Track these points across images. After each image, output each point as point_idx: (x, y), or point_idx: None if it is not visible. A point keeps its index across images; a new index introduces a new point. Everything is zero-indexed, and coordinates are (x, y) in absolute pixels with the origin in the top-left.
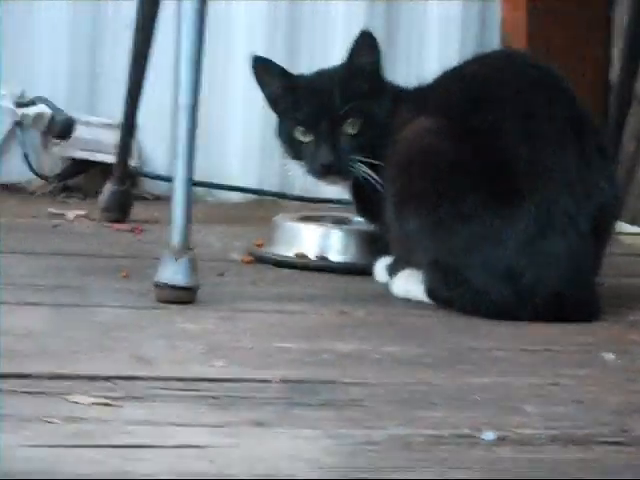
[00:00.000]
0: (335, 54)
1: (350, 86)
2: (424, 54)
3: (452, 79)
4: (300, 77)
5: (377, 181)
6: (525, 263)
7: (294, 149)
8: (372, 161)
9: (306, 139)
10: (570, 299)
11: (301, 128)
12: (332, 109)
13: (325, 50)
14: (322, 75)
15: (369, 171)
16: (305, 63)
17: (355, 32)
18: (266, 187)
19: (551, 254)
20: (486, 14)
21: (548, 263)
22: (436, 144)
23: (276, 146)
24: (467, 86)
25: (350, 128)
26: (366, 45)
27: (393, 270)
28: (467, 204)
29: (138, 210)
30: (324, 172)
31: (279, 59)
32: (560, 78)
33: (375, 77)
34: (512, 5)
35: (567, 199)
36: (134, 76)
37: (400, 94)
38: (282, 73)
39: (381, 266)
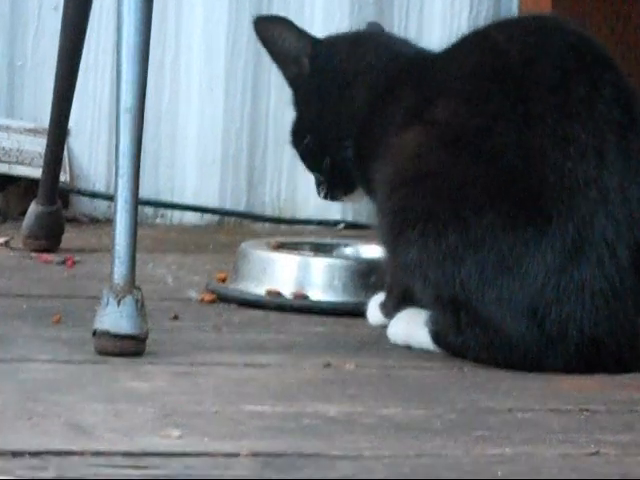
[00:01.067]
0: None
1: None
2: (424, 30)
3: (468, 51)
4: None
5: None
6: (553, 300)
7: None
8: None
9: None
10: (609, 345)
11: None
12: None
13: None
14: None
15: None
16: None
17: None
18: (229, 206)
19: (585, 289)
20: None
21: (581, 300)
22: (442, 157)
23: (240, 155)
24: (489, 64)
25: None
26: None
27: (389, 310)
28: (480, 227)
29: (71, 236)
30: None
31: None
32: (608, 58)
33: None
34: None
35: (604, 221)
36: (64, 70)
37: (396, 65)
38: None
39: (375, 305)
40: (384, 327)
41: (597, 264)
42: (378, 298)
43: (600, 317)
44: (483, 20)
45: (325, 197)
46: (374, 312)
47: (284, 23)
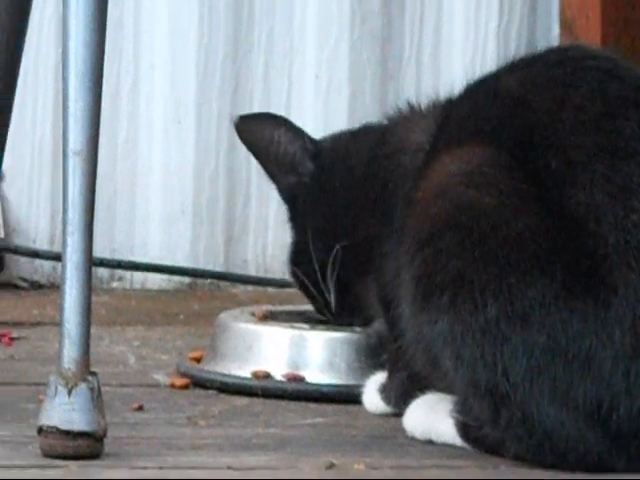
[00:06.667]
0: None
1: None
2: (442, 58)
3: (486, 98)
4: None
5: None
6: (620, 391)
7: None
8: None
9: None
10: None
11: None
12: None
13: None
14: None
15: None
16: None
17: None
18: (203, 265)
19: None
20: None
21: None
22: (478, 201)
23: (216, 204)
24: (512, 110)
25: None
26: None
27: (391, 395)
28: (529, 298)
29: (7, 306)
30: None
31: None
32: None
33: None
34: None
35: None
36: None
37: (402, 119)
38: None
39: (374, 388)
40: (385, 416)
41: None
42: (377, 379)
43: None
44: (515, 33)
45: (337, 321)
46: (372, 397)
47: (274, 122)
